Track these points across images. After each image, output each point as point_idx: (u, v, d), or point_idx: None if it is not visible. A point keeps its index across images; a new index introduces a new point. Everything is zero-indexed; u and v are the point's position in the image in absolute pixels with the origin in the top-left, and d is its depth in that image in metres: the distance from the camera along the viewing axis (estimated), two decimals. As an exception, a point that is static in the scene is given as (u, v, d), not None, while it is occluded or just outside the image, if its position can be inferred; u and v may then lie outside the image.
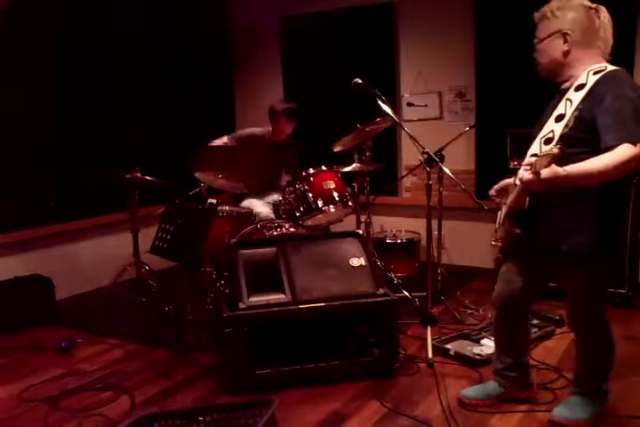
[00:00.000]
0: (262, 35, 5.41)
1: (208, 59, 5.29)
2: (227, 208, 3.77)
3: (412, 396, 2.67)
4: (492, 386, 2.58)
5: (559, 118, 2.11)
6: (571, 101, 2.09)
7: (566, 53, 2.15)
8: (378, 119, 3.62)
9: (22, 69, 4.00)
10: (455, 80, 4.58)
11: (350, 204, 3.63)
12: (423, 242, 4.38)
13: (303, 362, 2.80)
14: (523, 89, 4.25)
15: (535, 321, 3.37)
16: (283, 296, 2.82)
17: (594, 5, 2.17)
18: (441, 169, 3.31)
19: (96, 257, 4.54)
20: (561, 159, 1.86)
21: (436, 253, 4.00)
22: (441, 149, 3.74)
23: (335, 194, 3.56)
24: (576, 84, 2.11)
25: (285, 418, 2.45)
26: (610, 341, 2.34)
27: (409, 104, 4.74)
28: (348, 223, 4.10)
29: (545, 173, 1.88)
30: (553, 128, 2.11)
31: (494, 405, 2.53)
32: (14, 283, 3.79)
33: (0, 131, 3.90)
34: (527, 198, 2.13)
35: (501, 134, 4.06)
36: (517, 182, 2.10)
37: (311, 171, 3.63)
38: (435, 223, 3.72)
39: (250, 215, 3.85)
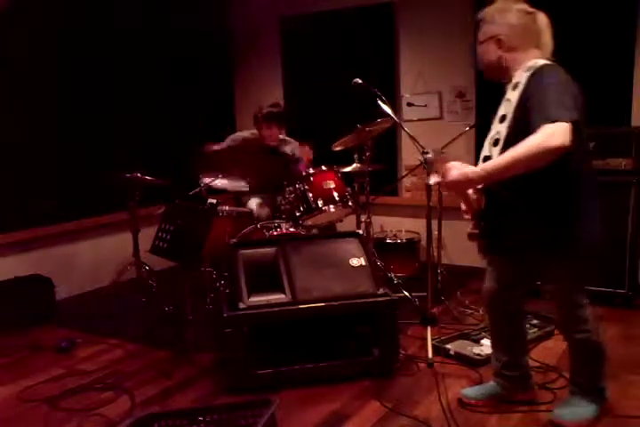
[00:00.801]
0: (262, 35, 5.41)
1: (208, 59, 5.29)
2: (227, 208, 3.77)
3: (412, 396, 2.67)
4: (491, 386, 2.58)
5: (502, 119, 2.14)
6: (510, 101, 2.11)
7: (500, 58, 2.20)
8: (378, 119, 3.62)
9: (22, 69, 4.00)
10: (455, 80, 4.58)
11: (350, 204, 3.63)
12: (423, 242, 4.38)
13: (303, 362, 2.80)
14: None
15: (535, 321, 3.37)
16: (283, 296, 2.82)
17: (532, 10, 2.21)
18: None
19: (96, 257, 4.55)
20: None
21: (435, 253, 4.00)
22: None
23: (335, 194, 3.56)
24: (513, 83, 2.13)
25: (285, 418, 2.45)
26: (597, 339, 2.31)
27: (409, 104, 4.74)
28: (348, 223, 4.11)
29: (451, 177, 2.00)
30: (498, 129, 2.14)
31: (494, 405, 2.53)
32: (14, 283, 3.79)
33: (0, 131, 3.90)
34: (482, 199, 2.18)
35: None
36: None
37: (311, 171, 3.64)
38: (435, 223, 3.72)
39: (250, 215, 3.85)
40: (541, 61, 2.10)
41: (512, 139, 2.03)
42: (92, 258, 4.53)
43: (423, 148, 3.10)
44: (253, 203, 4.00)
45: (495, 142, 2.13)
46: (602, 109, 3.99)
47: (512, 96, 2.10)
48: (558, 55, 3.50)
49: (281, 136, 4.14)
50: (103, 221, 4.55)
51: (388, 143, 4.80)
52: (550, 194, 2.09)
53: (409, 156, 4.83)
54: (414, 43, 4.71)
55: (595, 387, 2.36)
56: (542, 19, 2.22)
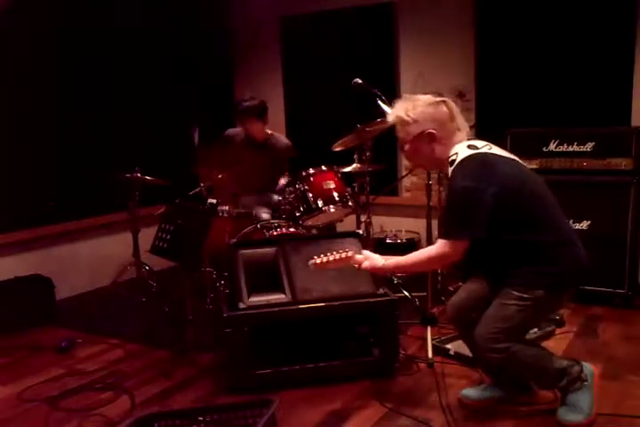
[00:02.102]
0: (262, 35, 5.41)
1: (208, 58, 5.29)
2: (227, 208, 3.77)
3: (412, 396, 2.67)
4: (491, 387, 2.58)
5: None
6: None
7: (434, 150, 2.29)
8: (378, 119, 3.62)
9: (22, 69, 4.00)
10: (455, 80, 4.58)
11: (350, 204, 3.63)
12: (423, 242, 4.38)
13: (303, 362, 2.80)
14: (523, 89, 4.26)
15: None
16: (283, 296, 2.82)
17: (439, 99, 2.31)
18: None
19: (96, 257, 4.54)
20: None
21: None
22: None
23: (335, 194, 3.56)
24: (446, 174, 2.31)
25: (285, 418, 2.45)
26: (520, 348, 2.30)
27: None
28: (348, 223, 4.10)
29: (364, 266, 2.35)
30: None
31: (494, 405, 2.53)
32: (14, 283, 3.79)
33: (0, 131, 3.90)
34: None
35: (501, 134, 4.06)
36: None
37: (311, 171, 3.63)
38: (435, 223, 3.72)
39: (250, 215, 3.85)
40: (461, 152, 2.23)
41: None
42: (92, 258, 4.53)
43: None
44: (262, 213, 3.98)
45: None
46: (602, 109, 4.00)
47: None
48: (559, 55, 3.54)
49: (269, 131, 4.13)
50: (103, 221, 4.55)
51: (388, 143, 4.78)
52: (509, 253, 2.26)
53: (409, 156, 4.82)
54: (414, 43, 4.71)
55: (568, 382, 2.32)
56: (451, 104, 2.32)
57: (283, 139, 4.18)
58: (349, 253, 2.35)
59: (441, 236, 2.23)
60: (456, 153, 2.24)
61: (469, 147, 2.25)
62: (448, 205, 2.24)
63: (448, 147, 2.28)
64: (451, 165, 2.23)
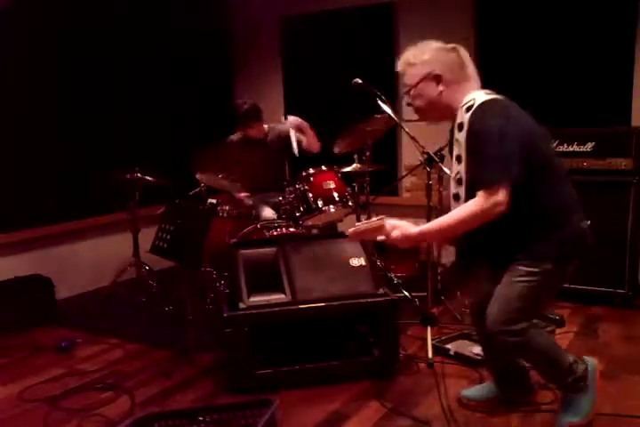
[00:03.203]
0: (262, 35, 5.41)
1: (208, 59, 5.29)
2: (227, 208, 3.77)
3: (412, 396, 2.67)
4: (491, 387, 2.57)
5: (459, 159, 2.15)
6: (459, 142, 2.12)
7: (441, 94, 2.18)
8: (376, 115, 3.61)
9: (22, 69, 4.00)
10: (455, 80, 4.57)
11: (350, 204, 3.63)
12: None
13: (303, 362, 2.80)
14: (523, 89, 4.25)
15: (535, 321, 3.36)
16: (283, 296, 2.82)
17: (451, 45, 2.23)
18: (441, 169, 3.31)
19: (96, 257, 4.54)
20: None
21: (435, 253, 4.00)
22: (441, 149, 3.72)
23: (335, 194, 3.56)
24: (457, 123, 2.14)
25: (285, 418, 2.45)
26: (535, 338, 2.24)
27: (409, 104, 4.72)
28: (348, 223, 4.10)
29: (394, 236, 2.06)
30: (458, 169, 2.16)
31: (494, 405, 2.53)
32: (14, 283, 3.79)
33: (0, 131, 3.90)
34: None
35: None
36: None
37: (311, 171, 3.63)
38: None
39: (250, 215, 3.85)
40: (479, 97, 2.09)
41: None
42: (92, 258, 4.53)
43: (423, 148, 3.11)
44: (269, 214, 3.98)
45: (459, 181, 2.16)
46: (602, 109, 4.00)
47: (460, 137, 2.11)
48: (559, 56, 3.53)
49: (267, 126, 4.13)
50: (103, 221, 4.55)
51: (388, 143, 4.80)
52: (518, 223, 2.09)
53: (409, 156, 4.83)
54: (414, 43, 4.69)
55: (570, 383, 2.28)
56: (464, 52, 2.23)
57: (281, 128, 4.15)
58: (381, 222, 2.07)
59: (479, 187, 1.99)
60: (473, 98, 2.10)
61: (487, 94, 2.13)
62: (477, 151, 2.02)
63: (457, 93, 2.16)
64: (467, 111, 2.08)
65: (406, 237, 2.07)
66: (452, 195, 2.22)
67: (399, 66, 2.28)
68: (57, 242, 4.31)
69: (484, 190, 1.97)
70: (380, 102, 3.09)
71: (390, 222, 2.08)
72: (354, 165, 3.82)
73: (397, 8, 4.73)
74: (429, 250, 3.50)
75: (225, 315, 2.73)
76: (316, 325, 2.87)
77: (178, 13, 5.00)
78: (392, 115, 3.10)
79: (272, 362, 2.79)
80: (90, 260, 4.52)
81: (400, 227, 2.07)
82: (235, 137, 4.17)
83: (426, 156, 3.12)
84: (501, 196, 1.95)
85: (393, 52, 4.79)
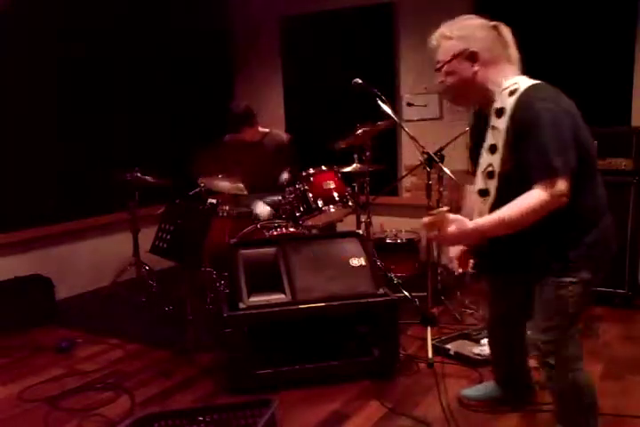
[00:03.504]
0: (262, 35, 5.41)
1: (208, 59, 5.29)
2: (227, 208, 3.77)
3: (412, 396, 2.67)
4: (492, 387, 2.57)
5: (492, 149, 1.94)
6: (498, 130, 1.91)
7: (476, 74, 1.97)
8: (379, 122, 3.62)
9: (22, 69, 4.00)
10: (455, 80, 4.58)
11: (350, 204, 3.63)
12: (423, 242, 4.38)
13: (303, 362, 2.80)
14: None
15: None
16: (283, 296, 2.82)
17: (493, 22, 2.04)
18: (441, 169, 3.31)
19: (96, 257, 4.54)
20: None
21: (436, 253, 4.00)
22: (441, 149, 3.73)
23: (335, 194, 3.56)
24: (495, 108, 1.93)
25: (285, 418, 2.46)
26: (581, 380, 2.07)
27: (409, 104, 4.74)
28: (348, 223, 4.10)
29: (451, 231, 1.85)
30: (490, 161, 1.95)
31: (494, 405, 2.53)
32: (14, 283, 3.79)
33: (0, 131, 3.90)
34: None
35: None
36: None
37: (311, 171, 3.63)
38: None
39: (250, 215, 3.85)
40: (523, 81, 1.92)
41: (513, 175, 1.89)
42: (92, 258, 4.53)
43: (423, 148, 3.11)
44: (261, 209, 3.98)
45: (490, 175, 1.96)
46: (602, 109, 3.99)
47: (499, 124, 1.91)
48: (559, 56, 3.53)
49: (266, 130, 4.13)
50: (103, 221, 4.55)
51: (388, 143, 4.80)
52: (552, 224, 1.88)
53: (409, 156, 4.83)
54: (414, 43, 4.70)
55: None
56: (506, 31, 2.03)
57: (278, 136, 4.17)
58: (442, 215, 1.87)
59: (540, 177, 1.80)
60: (516, 82, 1.91)
61: (530, 79, 1.95)
62: (530, 139, 1.82)
63: (495, 75, 1.96)
64: (510, 95, 1.88)
65: (462, 233, 1.86)
66: (476, 191, 2.02)
67: (433, 40, 2.07)
68: (57, 242, 4.31)
69: (545, 180, 1.78)
70: (379, 102, 3.09)
71: (452, 217, 1.88)
72: (354, 165, 3.82)
73: (397, 8, 4.73)
74: (429, 250, 3.49)
75: (225, 315, 2.73)
76: (316, 325, 2.87)
77: (178, 13, 5.00)
78: (392, 115, 3.10)
79: (272, 362, 2.79)
80: (90, 260, 4.52)
81: (457, 221, 1.87)
82: (230, 137, 4.18)
83: (426, 156, 3.12)
84: (564, 186, 1.78)
85: (393, 52, 4.80)
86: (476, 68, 1.98)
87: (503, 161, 1.90)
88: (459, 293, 4.01)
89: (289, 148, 4.14)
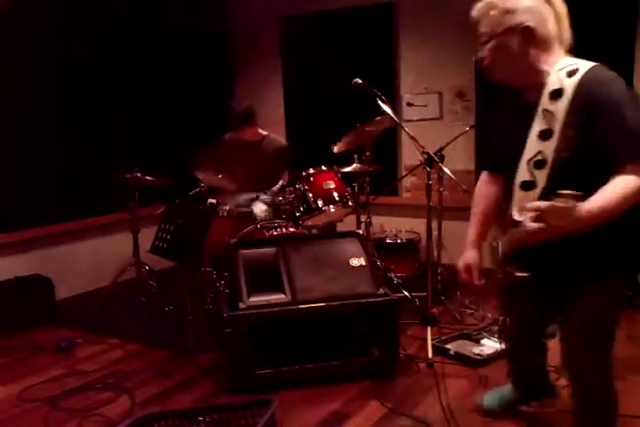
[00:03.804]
0: (262, 35, 5.41)
1: (208, 59, 5.29)
2: (227, 208, 3.77)
3: (412, 396, 2.67)
4: (509, 391, 2.47)
5: (544, 135, 1.74)
6: (552, 113, 1.72)
7: (527, 53, 1.78)
8: (378, 117, 3.62)
9: (22, 69, 4.00)
10: (455, 80, 4.58)
11: (350, 204, 3.63)
12: (423, 242, 4.38)
13: (303, 362, 2.80)
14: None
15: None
16: (283, 296, 2.82)
17: None
18: (441, 169, 3.32)
19: (96, 257, 4.54)
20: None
21: (436, 253, 4.00)
22: (441, 149, 3.73)
23: (335, 194, 3.56)
24: (549, 91, 1.74)
25: (285, 418, 2.46)
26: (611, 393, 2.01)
27: (409, 104, 4.74)
28: (348, 223, 4.11)
29: (562, 221, 1.50)
30: (541, 148, 1.74)
31: (515, 411, 2.46)
32: (14, 283, 3.79)
33: (0, 131, 3.90)
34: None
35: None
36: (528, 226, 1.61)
37: (311, 171, 3.63)
38: (435, 223, 3.72)
39: (250, 215, 3.84)
40: (582, 62, 1.78)
41: (571, 163, 1.70)
42: (92, 258, 4.53)
43: (423, 148, 3.11)
44: (258, 209, 3.98)
45: (538, 164, 1.74)
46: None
47: (554, 108, 1.72)
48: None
49: (264, 132, 4.13)
50: (103, 221, 4.55)
51: (388, 143, 4.80)
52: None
53: (409, 156, 4.83)
54: (414, 43, 4.71)
55: None
56: (561, 7, 1.80)
57: (276, 141, 4.17)
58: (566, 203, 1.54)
59: (630, 160, 1.62)
60: (576, 63, 1.77)
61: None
62: (607, 121, 1.65)
63: (547, 54, 1.78)
64: (569, 76, 1.72)
65: (576, 222, 1.53)
66: (518, 183, 1.80)
67: (478, 10, 1.82)
68: (57, 242, 4.31)
69: (637, 163, 1.62)
70: (380, 102, 3.09)
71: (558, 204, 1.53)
72: (354, 165, 3.82)
73: (397, 8, 4.73)
74: (429, 250, 3.49)
75: (225, 315, 2.73)
76: (316, 325, 2.87)
77: (178, 13, 5.00)
78: (392, 115, 3.10)
79: (272, 362, 2.79)
80: (90, 260, 4.52)
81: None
82: (229, 136, 4.18)
83: (426, 156, 3.12)
84: None
85: (393, 52, 4.80)
86: (528, 45, 1.77)
87: (560, 148, 1.70)
88: (459, 293, 4.01)
89: (287, 152, 4.13)
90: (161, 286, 4.18)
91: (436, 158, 3.12)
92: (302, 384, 2.77)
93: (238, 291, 2.81)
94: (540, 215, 1.52)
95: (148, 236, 3.56)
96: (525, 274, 1.85)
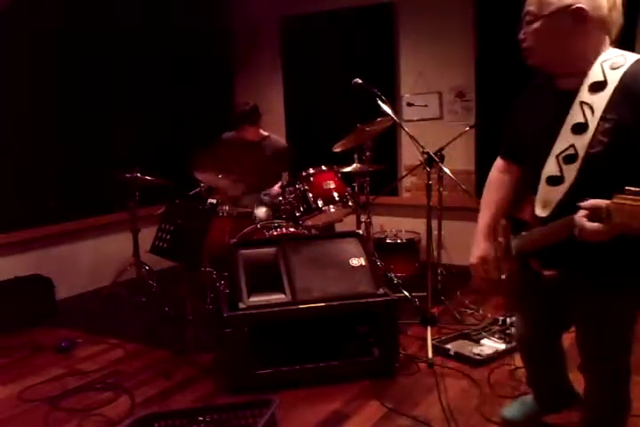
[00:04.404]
0: (262, 35, 5.41)
1: (208, 59, 5.29)
2: (227, 208, 3.77)
3: (412, 396, 2.67)
4: (531, 400, 2.32)
5: (578, 129, 1.63)
6: (590, 106, 1.61)
7: (577, 37, 1.64)
8: (378, 119, 3.62)
9: (22, 69, 4.00)
10: (455, 80, 4.58)
11: (350, 204, 3.63)
12: (423, 242, 4.38)
13: (303, 362, 2.80)
14: (523, 88, 4.25)
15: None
16: (283, 296, 2.82)
17: None
18: (441, 169, 3.32)
19: (96, 257, 4.55)
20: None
21: (435, 253, 4.00)
22: (441, 149, 3.74)
23: (335, 194, 3.56)
24: (590, 83, 1.63)
25: (285, 418, 2.45)
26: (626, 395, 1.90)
27: (409, 104, 4.74)
28: (348, 223, 4.11)
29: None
30: (572, 142, 1.63)
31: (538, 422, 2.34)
32: (14, 283, 3.79)
33: (0, 131, 3.90)
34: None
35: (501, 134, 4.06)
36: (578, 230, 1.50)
37: (311, 171, 3.63)
38: (435, 223, 3.72)
39: (250, 215, 3.84)
40: (628, 55, 1.68)
41: (603, 158, 1.59)
42: (92, 258, 4.53)
43: (423, 148, 3.11)
44: (258, 209, 3.98)
45: (569, 159, 1.64)
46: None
47: (593, 100, 1.61)
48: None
49: (265, 133, 4.13)
50: (103, 221, 4.55)
51: (388, 143, 4.80)
52: None
53: (409, 156, 4.83)
54: (414, 43, 4.71)
55: None
56: None
57: (277, 142, 4.17)
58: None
59: None
60: (622, 54, 1.69)
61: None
62: None
63: (595, 41, 1.67)
64: (614, 68, 1.64)
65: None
66: (544, 177, 1.69)
67: None
68: (57, 242, 4.31)
69: None
70: (379, 102, 3.09)
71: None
72: (354, 165, 3.82)
73: (397, 8, 4.73)
74: (429, 250, 3.49)
75: (225, 315, 2.73)
76: (316, 325, 2.87)
77: (178, 13, 5.00)
78: (392, 115, 3.10)
79: (272, 362, 2.79)
80: (90, 260, 4.52)
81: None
82: (229, 135, 4.18)
83: (426, 156, 3.12)
84: None
85: (393, 52, 4.81)
86: (578, 29, 1.63)
87: (594, 143, 1.59)
88: (459, 293, 4.01)
89: (287, 154, 4.13)
90: (161, 286, 4.18)
91: (435, 158, 3.12)
92: (302, 384, 2.77)
93: (238, 291, 2.81)
94: (597, 214, 1.42)
95: (148, 236, 3.56)
96: (552, 272, 1.78)
